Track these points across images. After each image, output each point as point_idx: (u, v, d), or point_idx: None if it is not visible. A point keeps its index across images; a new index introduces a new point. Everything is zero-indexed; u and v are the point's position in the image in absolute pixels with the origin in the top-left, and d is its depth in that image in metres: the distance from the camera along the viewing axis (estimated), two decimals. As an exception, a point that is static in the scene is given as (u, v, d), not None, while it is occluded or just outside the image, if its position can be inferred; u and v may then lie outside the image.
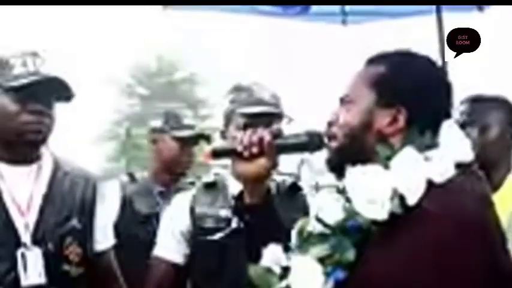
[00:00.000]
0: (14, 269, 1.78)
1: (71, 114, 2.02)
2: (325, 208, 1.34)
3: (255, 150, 1.58)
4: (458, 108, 2.03)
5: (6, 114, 1.84)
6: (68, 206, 1.93)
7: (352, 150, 1.42)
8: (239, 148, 1.59)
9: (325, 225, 1.31)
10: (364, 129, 1.39)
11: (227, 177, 2.17)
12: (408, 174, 1.27)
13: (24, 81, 1.83)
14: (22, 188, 1.88)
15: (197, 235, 2.10)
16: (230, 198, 2.11)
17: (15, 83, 1.83)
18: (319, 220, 1.32)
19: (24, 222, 1.84)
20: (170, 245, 2.14)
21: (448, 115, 1.41)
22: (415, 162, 1.29)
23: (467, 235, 1.24)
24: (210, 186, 2.18)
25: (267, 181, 1.70)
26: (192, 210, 2.13)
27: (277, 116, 2.13)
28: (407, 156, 1.30)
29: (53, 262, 1.84)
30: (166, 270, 2.13)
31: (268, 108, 2.10)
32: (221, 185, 2.17)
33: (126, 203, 2.84)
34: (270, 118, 2.10)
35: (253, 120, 2.08)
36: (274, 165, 1.64)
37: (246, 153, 1.58)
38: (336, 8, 3.27)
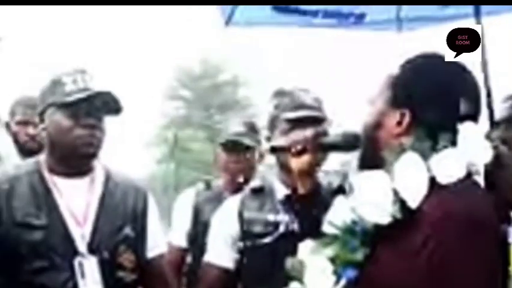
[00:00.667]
0: (72, 278, 1.86)
1: (120, 119, 2.07)
2: (335, 210, 1.38)
3: (298, 147, 1.82)
4: (499, 106, 1.99)
5: (60, 129, 1.92)
6: (120, 215, 1.99)
7: (367, 149, 1.46)
8: (287, 145, 1.87)
9: (335, 226, 1.35)
10: (376, 128, 1.43)
11: (274, 182, 2.20)
12: (409, 178, 1.29)
13: (75, 97, 1.91)
14: (77, 200, 1.95)
15: (246, 240, 2.14)
16: (277, 202, 2.14)
17: (66, 100, 1.91)
18: (329, 222, 1.37)
19: (81, 233, 1.91)
20: (220, 250, 2.18)
21: (475, 117, 1.41)
22: (417, 167, 1.30)
23: (468, 236, 1.24)
24: (258, 191, 2.21)
25: (315, 175, 1.90)
26: (240, 215, 2.17)
27: (321, 120, 2.14)
28: (409, 161, 1.32)
29: (108, 269, 1.91)
30: (218, 275, 2.17)
31: (311, 112, 2.11)
32: (268, 189, 2.19)
33: (197, 211, 2.88)
34: (313, 122, 2.12)
35: (297, 125, 2.11)
36: (317, 161, 1.85)
37: (292, 150, 1.83)
38: (391, 16, 3.23)
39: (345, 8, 3.10)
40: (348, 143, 1.75)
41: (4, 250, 1.85)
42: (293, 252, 1.99)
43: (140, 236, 2.03)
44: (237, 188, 2.86)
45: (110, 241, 1.93)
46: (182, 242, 2.94)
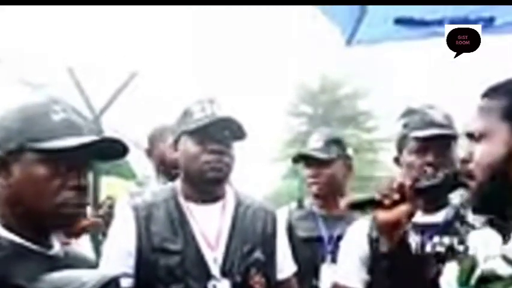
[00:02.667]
0: None
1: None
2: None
3: (396, 197, 1.53)
4: None
5: (190, 155, 2.00)
6: (251, 238, 2.02)
7: (495, 184, 1.37)
8: (378, 197, 1.55)
9: None
10: (506, 161, 1.35)
11: None
12: None
13: (200, 123, 1.97)
14: (210, 225, 2.01)
15: (376, 261, 2.09)
16: None
17: (193, 126, 1.98)
18: (508, 261, 1.29)
19: (214, 257, 1.96)
20: (349, 271, 2.15)
21: None
22: None
23: None
24: None
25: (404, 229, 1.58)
26: (369, 236, 2.13)
27: (451, 137, 2.07)
28: None
29: None
30: None
31: (442, 130, 2.05)
32: None
33: (290, 230, 2.77)
34: (443, 140, 2.05)
35: (427, 144, 2.04)
36: (415, 210, 1.56)
37: (386, 202, 1.54)
38: None
39: (472, 14, 2.93)
40: (448, 183, 1.55)
41: (143, 274, 1.93)
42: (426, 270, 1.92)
43: (270, 258, 2.04)
44: (330, 203, 2.79)
45: (241, 264, 1.96)
46: None
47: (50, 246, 1.44)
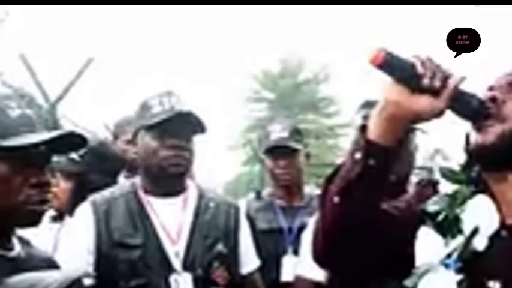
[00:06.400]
0: None
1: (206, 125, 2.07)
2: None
3: (437, 84, 1.24)
4: None
5: (149, 150, 1.97)
6: (213, 232, 2.02)
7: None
8: (420, 71, 1.24)
9: None
10: None
11: None
12: None
13: (159, 118, 1.95)
14: (171, 219, 1.99)
15: None
16: None
17: (151, 122, 1.96)
18: None
19: (175, 250, 1.95)
20: (311, 263, 2.16)
21: None
22: None
23: None
24: None
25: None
26: None
27: (412, 129, 2.08)
28: None
29: (202, 286, 1.93)
30: None
31: None
32: None
33: (250, 221, 2.60)
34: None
35: None
36: (442, 112, 1.27)
37: (425, 82, 1.23)
38: None
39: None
40: (480, 112, 1.29)
41: (104, 270, 1.91)
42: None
43: (233, 252, 2.04)
44: (289, 195, 2.78)
45: (204, 258, 1.96)
46: None
47: (10, 249, 1.41)
